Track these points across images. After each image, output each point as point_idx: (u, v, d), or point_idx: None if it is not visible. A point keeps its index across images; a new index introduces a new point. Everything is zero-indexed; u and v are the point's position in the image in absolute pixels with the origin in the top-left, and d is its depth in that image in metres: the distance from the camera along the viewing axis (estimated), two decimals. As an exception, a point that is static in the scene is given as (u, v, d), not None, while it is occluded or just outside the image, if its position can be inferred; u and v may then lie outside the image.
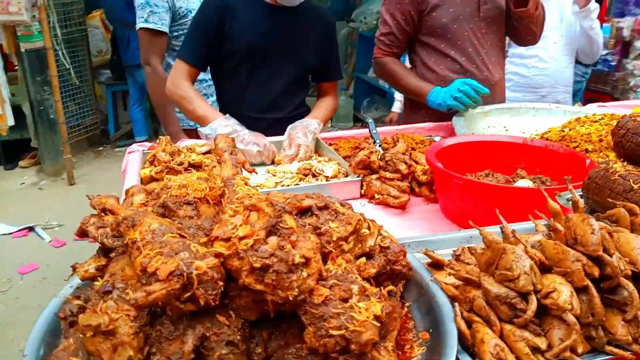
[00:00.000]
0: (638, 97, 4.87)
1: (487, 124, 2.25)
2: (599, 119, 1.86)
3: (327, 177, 1.66)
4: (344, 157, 1.80)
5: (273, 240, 0.66)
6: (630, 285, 0.78)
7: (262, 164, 1.84)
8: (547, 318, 0.78)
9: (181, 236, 0.69)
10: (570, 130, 1.83)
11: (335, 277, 0.70)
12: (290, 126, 1.90)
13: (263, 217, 0.68)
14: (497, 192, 1.31)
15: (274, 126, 1.95)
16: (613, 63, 5.36)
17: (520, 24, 2.21)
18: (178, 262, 0.62)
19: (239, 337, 0.68)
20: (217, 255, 0.66)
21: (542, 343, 0.76)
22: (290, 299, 0.64)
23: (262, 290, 0.65)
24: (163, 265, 0.62)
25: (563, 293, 0.76)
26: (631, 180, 1.02)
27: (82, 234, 0.83)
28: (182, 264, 0.62)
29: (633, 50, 5.14)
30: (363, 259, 0.77)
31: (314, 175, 1.68)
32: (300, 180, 1.66)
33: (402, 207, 1.55)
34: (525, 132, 2.16)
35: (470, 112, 2.18)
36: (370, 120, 1.94)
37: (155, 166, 1.64)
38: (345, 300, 0.67)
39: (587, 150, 1.68)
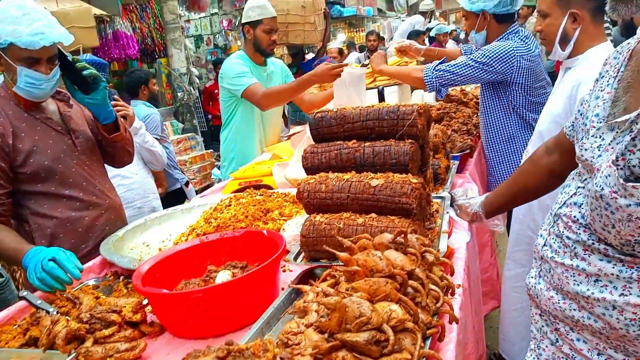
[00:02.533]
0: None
1: (129, 247, 2.22)
2: (228, 204, 2.18)
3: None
4: None
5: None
6: (414, 283, 1.06)
7: None
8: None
9: None
10: (215, 219, 2.06)
11: None
12: None
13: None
14: (237, 285, 1.39)
15: None
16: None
17: (115, 148, 2.30)
18: None
19: None
20: None
21: (408, 354, 0.93)
22: None
23: None
24: None
25: (396, 311, 0.96)
26: (335, 222, 1.34)
27: None
28: None
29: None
30: None
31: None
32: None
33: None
34: (166, 241, 2.25)
35: (112, 239, 2.12)
36: None
37: None
38: None
39: (242, 228, 1.96)
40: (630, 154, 1.07)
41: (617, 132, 1.14)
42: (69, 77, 2.07)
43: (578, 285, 1.23)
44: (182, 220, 2.42)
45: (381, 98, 1.89)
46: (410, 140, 1.39)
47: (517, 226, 2.31)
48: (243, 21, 3.39)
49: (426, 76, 2.72)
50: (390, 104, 1.45)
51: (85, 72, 2.01)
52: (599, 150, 1.18)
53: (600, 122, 1.21)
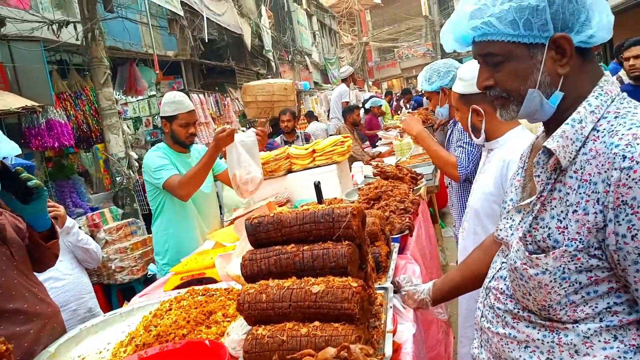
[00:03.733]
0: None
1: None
2: (168, 309, 2.09)
3: None
4: None
5: None
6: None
7: None
8: None
9: None
10: (155, 327, 1.96)
11: None
12: None
13: None
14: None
15: None
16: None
17: (45, 253, 2.23)
18: None
19: None
20: None
21: None
22: None
23: None
24: None
25: None
26: (278, 335, 1.30)
27: None
28: None
29: (100, 242, 5.71)
30: None
31: None
32: None
33: None
34: (104, 351, 2.10)
35: (43, 356, 1.97)
36: None
37: None
38: None
39: (184, 335, 1.87)
40: (535, 231, 1.22)
41: (523, 213, 1.30)
42: (3, 186, 1.98)
43: (512, 352, 1.31)
44: (121, 325, 2.29)
45: (318, 191, 1.91)
46: (347, 242, 1.40)
47: (465, 302, 2.36)
48: (160, 115, 3.42)
49: (461, 169, 2.96)
50: (325, 206, 1.47)
51: (30, 183, 1.95)
52: (511, 229, 1.34)
53: (512, 206, 1.38)
